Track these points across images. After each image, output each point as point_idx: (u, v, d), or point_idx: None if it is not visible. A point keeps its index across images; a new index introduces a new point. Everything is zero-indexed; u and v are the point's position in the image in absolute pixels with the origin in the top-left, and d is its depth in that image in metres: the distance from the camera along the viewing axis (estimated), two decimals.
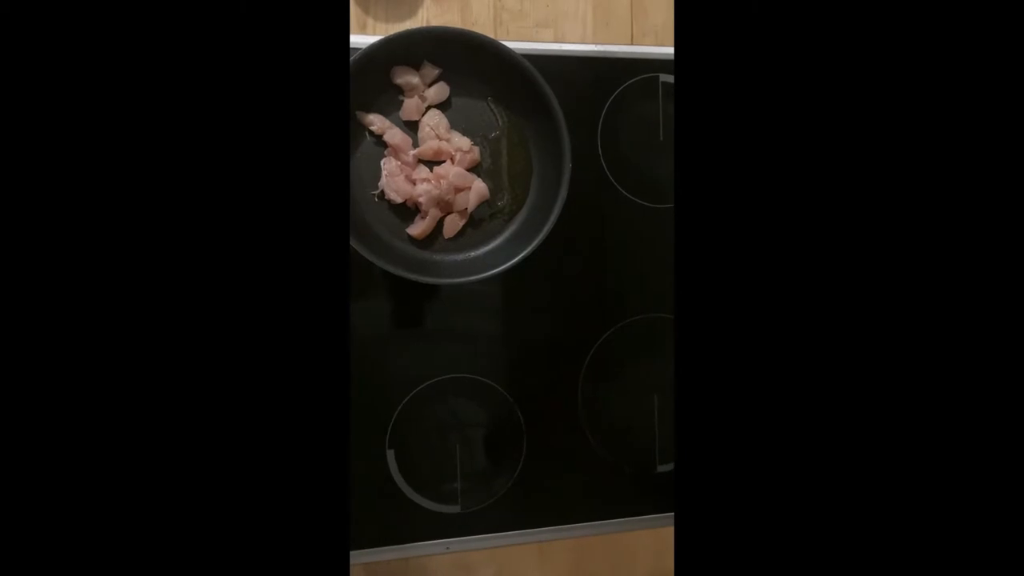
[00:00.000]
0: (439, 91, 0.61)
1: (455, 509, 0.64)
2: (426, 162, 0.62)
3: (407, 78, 0.60)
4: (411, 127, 0.61)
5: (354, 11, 0.62)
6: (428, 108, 0.61)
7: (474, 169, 0.62)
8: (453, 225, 0.62)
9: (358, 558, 0.61)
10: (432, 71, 0.61)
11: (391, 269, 0.57)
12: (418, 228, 0.61)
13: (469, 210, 0.62)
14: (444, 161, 0.62)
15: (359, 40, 0.60)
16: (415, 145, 0.61)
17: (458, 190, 0.61)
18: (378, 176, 0.60)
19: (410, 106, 0.61)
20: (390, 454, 0.63)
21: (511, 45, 0.58)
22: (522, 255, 0.59)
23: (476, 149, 0.62)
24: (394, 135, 0.60)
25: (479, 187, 0.62)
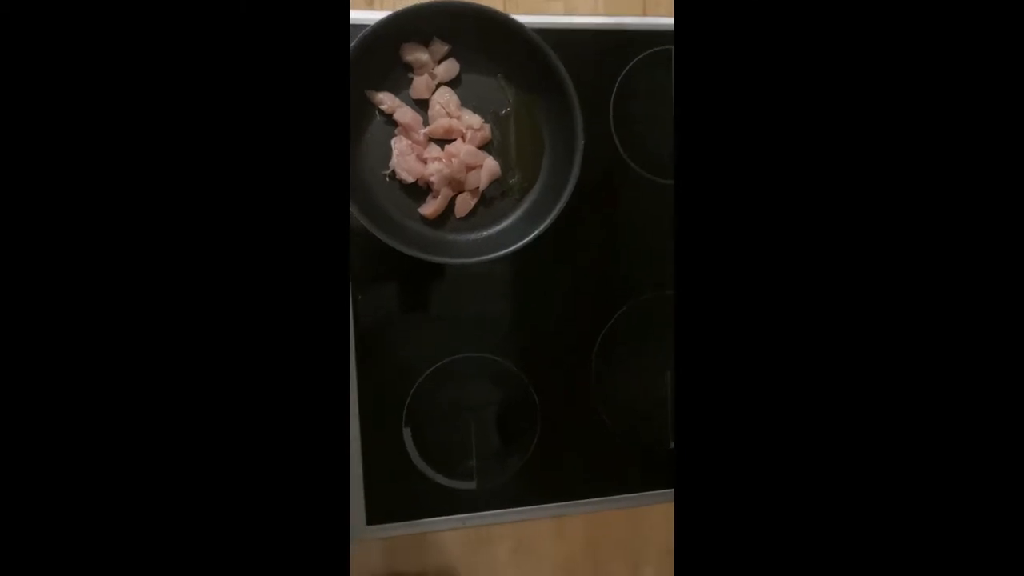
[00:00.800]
0: (449, 68, 0.60)
1: (471, 485, 0.64)
2: (437, 141, 0.61)
3: (416, 55, 0.59)
4: (421, 105, 0.61)
5: None
6: (438, 86, 0.61)
7: (485, 147, 0.62)
8: (465, 204, 0.62)
9: (376, 533, 0.63)
10: (442, 47, 0.60)
11: (404, 249, 0.57)
12: (430, 208, 0.61)
13: (481, 189, 0.62)
14: (455, 139, 0.61)
15: (366, 16, 0.59)
16: (425, 124, 0.61)
17: (469, 168, 0.61)
18: (389, 156, 0.60)
19: (420, 84, 0.60)
20: (406, 432, 0.63)
21: (521, 19, 0.57)
22: (534, 234, 0.58)
23: (487, 127, 0.61)
24: (404, 114, 0.60)
25: (490, 165, 0.61)
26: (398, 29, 0.57)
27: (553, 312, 0.66)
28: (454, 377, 0.64)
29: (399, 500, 0.64)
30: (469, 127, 0.60)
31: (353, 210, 0.55)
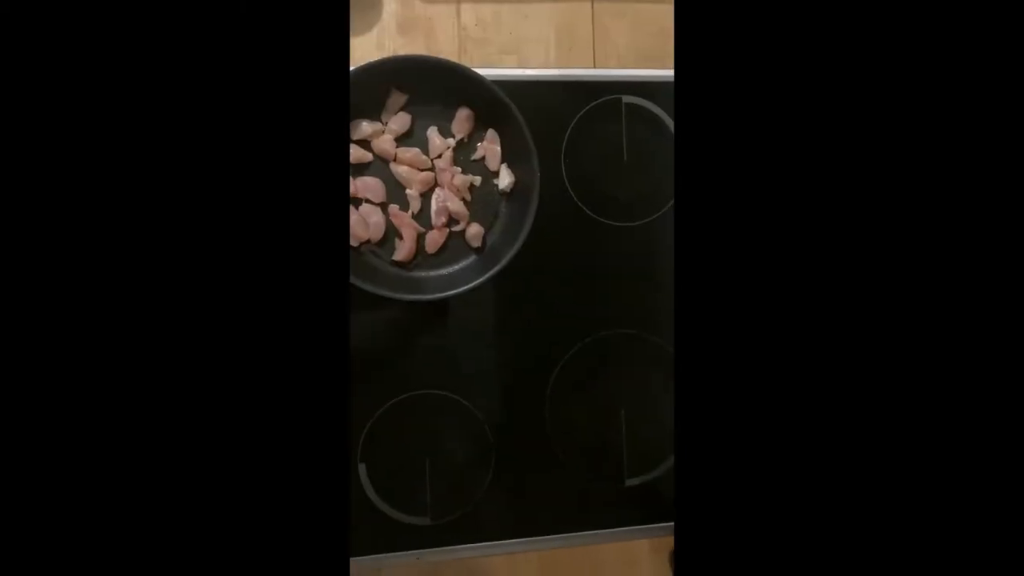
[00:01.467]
0: (401, 121, 0.64)
1: (425, 521, 0.65)
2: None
3: (363, 129, 0.63)
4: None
5: None
6: (396, 140, 0.64)
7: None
8: (434, 242, 0.65)
9: None
10: (400, 97, 0.64)
11: (366, 287, 0.59)
12: (401, 252, 0.63)
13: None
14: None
15: None
16: (387, 186, 0.64)
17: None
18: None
19: (381, 144, 0.63)
20: (361, 468, 0.65)
21: (475, 70, 0.61)
22: (489, 274, 0.61)
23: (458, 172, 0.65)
24: (366, 184, 0.63)
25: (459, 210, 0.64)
26: (366, 80, 0.60)
27: (508, 350, 0.68)
28: (410, 413, 0.66)
29: (354, 535, 0.64)
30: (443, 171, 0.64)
31: None
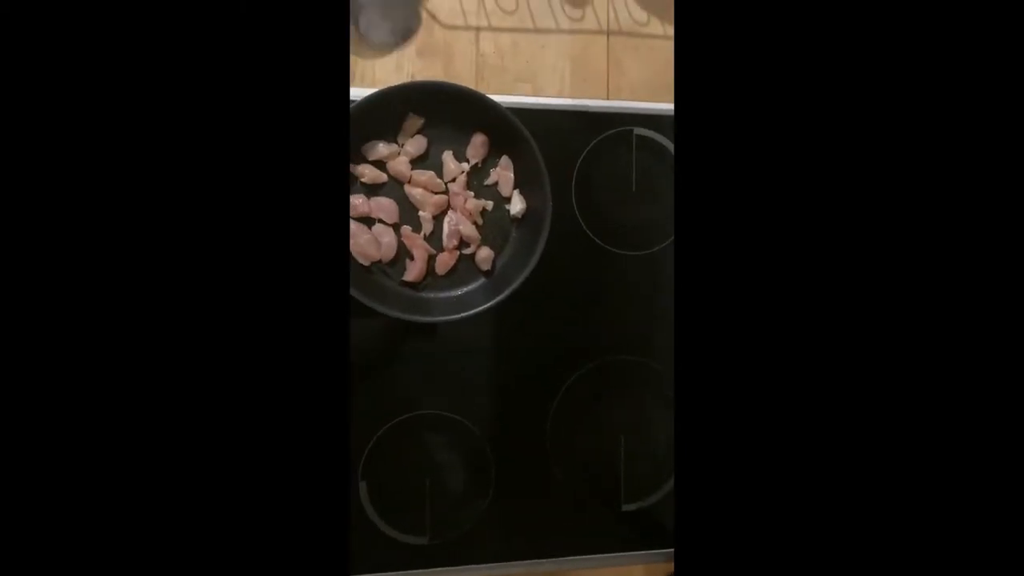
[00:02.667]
0: (417, 144, 0.65)
1: (423, 540, 0.66)
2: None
3: (379, 150, 0.64)
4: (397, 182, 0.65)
5: None
6: (412, 162, 0.65)
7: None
8: (444, 263, 0.65)
9: None
10: (417, 121, 0.64)
11: (374, 307, 0.60)
12: (412, 272, 0.64)
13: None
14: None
15: (352, 92, 0.64)
16: (400, 207, 0.64)
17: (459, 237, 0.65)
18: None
19: (396, 166, 0.64)
20: (362, 485, 0.65)
21: (490, 97, 0.62)
22: (497, 299, 0.62)
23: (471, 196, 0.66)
24: (380, 205, 0.64)
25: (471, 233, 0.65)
26: (384, 102, 0.61)
27: (512, 372, 0.69)
28: (412, 432, 0.66)
29: (351, 553, 0.64)
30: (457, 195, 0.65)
31: None
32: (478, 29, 0.67)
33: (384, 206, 0.64)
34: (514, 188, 0.66)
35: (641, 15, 0.70)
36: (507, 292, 0.62)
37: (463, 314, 0.62)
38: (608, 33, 0.71)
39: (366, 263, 0.63)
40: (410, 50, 0.64)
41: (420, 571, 0.65)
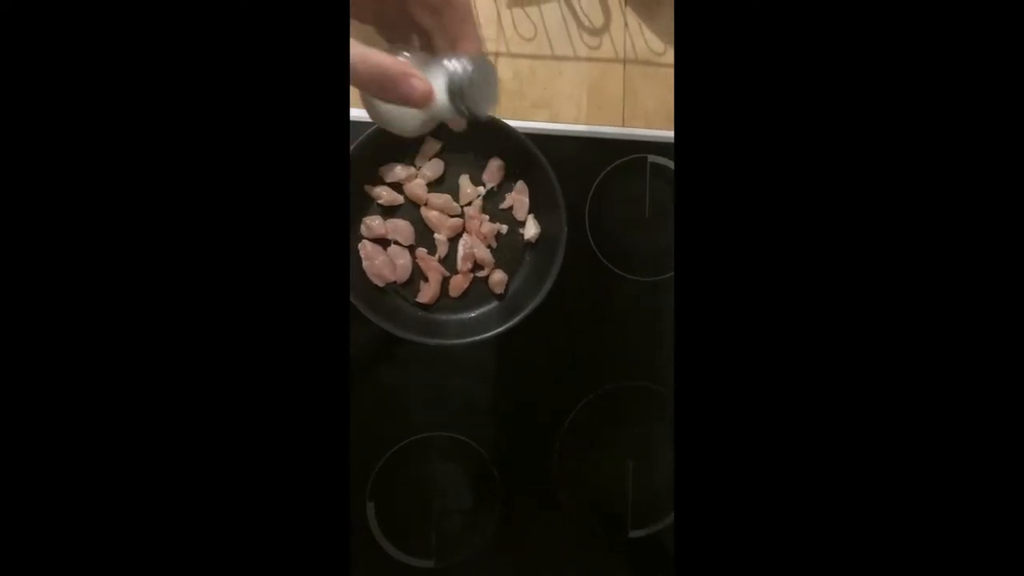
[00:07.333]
0: (435, 167, 0.65)
1: (429, 564, 0.65)
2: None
3: (396, 172, 0.64)
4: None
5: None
6: (428, 185, 0.65)
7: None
8: (458, 286, 0.66)
9: None
10: (435, 145, 0.65)
11: (387, 327, 0.60)
12: (427, 294, 0.64)
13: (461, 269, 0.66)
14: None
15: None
16: (416, 229, 0.65)
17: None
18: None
19: (413, 189, 0.65)
20: (370, 507, 0.65)
21: (507, 122, 0.62)
22: (510, 324, 0.62)
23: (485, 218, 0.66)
24: (396, 226, 0.64)
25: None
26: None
27: (522, 396, 0.69)
28: (420, 455, 0.66)
29: (357, 574, 0.64)
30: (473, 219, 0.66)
31: None
32: (497, 55, 0.68)
33: (400, 228, 0.64)
34: (529, 212, 0.67)
35: (658, 45, 0.71)
36: (520, 316, 0.62)
37: (475, 337, 0.63)
38: (624, 61, 0.71)
39: (381, 284, 0.64)
40: None
41: None
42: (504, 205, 0.67)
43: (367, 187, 0.64)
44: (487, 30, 0.68)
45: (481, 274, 0.66)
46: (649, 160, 0.71)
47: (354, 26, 0.36)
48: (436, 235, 0.65)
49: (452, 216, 0.65)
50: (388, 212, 0.65)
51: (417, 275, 0.65)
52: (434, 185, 0.66)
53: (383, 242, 0.64)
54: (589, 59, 0.71)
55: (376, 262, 0.63)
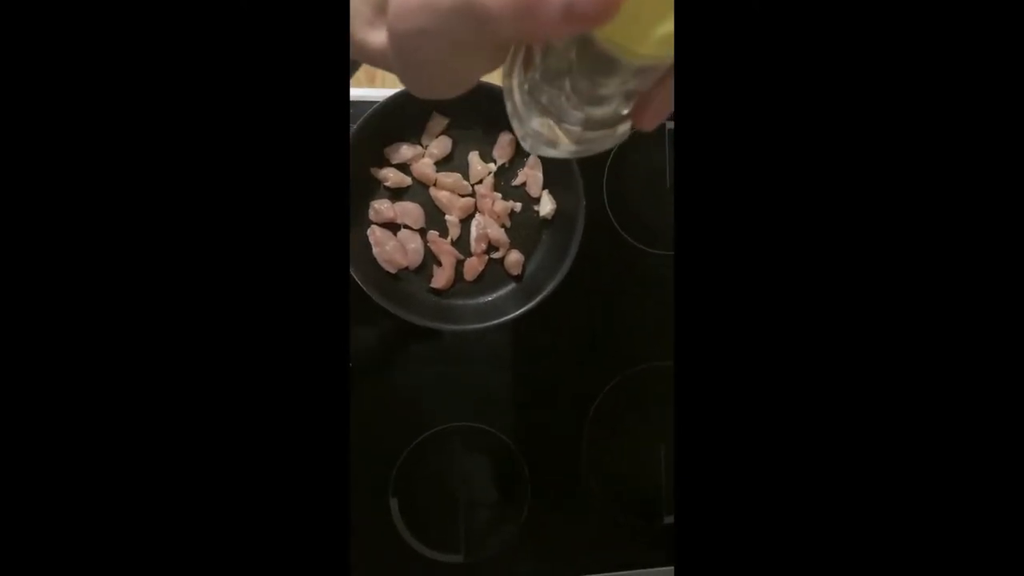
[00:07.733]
0: (442, 145, 0.62)
1: (458, 559, 0.63)
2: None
3: (403, 152, 0.61)
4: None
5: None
6: (436, 164, 0.62)
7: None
8: (472, 269, 0.63)
9: None
10: (441, 120, 0.62)
11: (401, 315, 0.57)
12: (441, 279, 0.62)
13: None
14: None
15: (370, 93, 0.61)
16: (426, 211, 0.62)
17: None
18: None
19: (420, 168, 0.62)
20: (393, 503, 0.62)
21: None
22: (529, 306, 0.59)
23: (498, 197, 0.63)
24: (405, 209, 0.61)
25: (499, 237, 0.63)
26: (407, 103, 0.59)
27: (545, 381, 0.66)
28: (442, 447, 0.64)
29: (383, 572, 0.62)
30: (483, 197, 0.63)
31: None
32: None
33: (409, 211, 0.61)
34: (543, 188, 0.63)
35: None
36: (539, 298, 0.59)
37: (494, 321, 0.60)
38: None
39: (392, 270, 0.61)
40: None
41: None
42: (517, 181, 0.63)
43: (373, 169, 0.61)
44: None
45: (496, 255, 0.63)
46: (668, 127, 0.67)
47: None
48: (447, 216, 0.62)
49: (463, 196, 0.62)
50: (396, 195, 0.62)
51: (430, 259, 0.62)
52: (442, 164, 0.62)
53: (392, 227, 0.62)
54: None
55: (387, 248, 0.60)
